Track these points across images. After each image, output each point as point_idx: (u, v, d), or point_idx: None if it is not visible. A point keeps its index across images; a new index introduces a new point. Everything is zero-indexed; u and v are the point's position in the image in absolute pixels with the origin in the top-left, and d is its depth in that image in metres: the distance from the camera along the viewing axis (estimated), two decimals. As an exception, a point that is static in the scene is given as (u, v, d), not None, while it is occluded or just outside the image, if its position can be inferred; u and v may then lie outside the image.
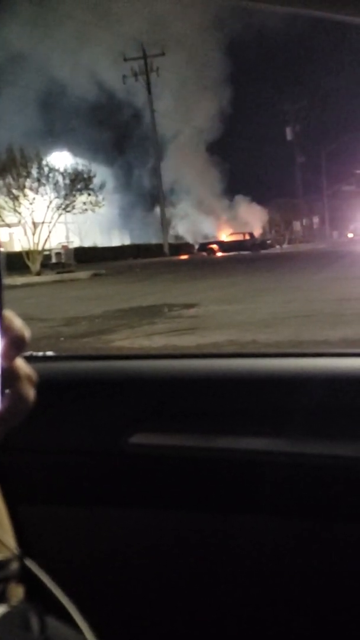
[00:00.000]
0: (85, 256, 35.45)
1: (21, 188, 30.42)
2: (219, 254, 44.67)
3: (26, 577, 0.66)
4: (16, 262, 27.20)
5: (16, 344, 0.53)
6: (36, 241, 29.62)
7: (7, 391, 0.53)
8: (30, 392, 0.55)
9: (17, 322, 0.53)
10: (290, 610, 1.19)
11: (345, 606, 1.16)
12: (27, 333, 0.54)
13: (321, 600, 1.17)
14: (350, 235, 55.01)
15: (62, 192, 31.81)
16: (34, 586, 0.66)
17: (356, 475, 1.13)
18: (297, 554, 1.18)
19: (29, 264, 28.07)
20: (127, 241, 53.82)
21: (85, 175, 32.91)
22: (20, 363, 0.55)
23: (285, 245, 53.27)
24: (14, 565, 0.64)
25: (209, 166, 67.97)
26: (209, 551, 1.22)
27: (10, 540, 0.69)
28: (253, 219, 62.79)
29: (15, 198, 30.17)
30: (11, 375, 0.54)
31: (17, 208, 30.21)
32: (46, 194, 31.26)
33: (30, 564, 0.66)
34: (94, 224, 44.94)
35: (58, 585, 0.67)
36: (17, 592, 0.65)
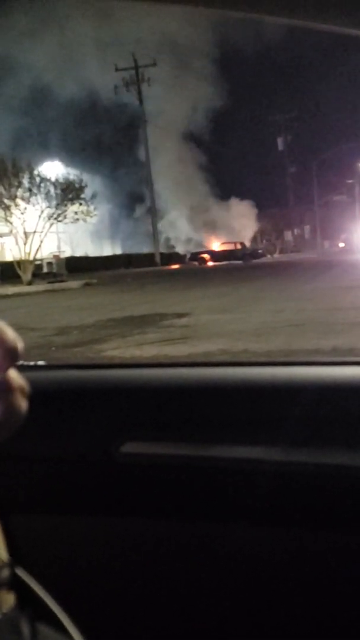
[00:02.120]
0: (76, 266, 35.42)
1: (13, 198, 30.44)
2: (210, 263, 44.76)
3: (17, 585, 0.66)
4: (7, 271, 27.18)
5: (9, 356, 0.53)
6: (28, 251, 29.63)
7: None
8: (23, 404, 0.55)
9: (10, 333, 0.53)
10: (286, 619, 1.19)
11: (342, 614, 1.16)
12: (20, 344, 0.54)
13: (317, 608, 1.17)
14: (341, 244, 55.25)
15: (54, 202, 31.87)
16: (25, 594, 0.66)
17: (350, 483, 1.13)
18: (293, 563, 1.18)
19: (21, 273, 28.05)
20: (118, 251, 53.88)
21: (76, 185, 32.97)
22: (13, 374, 0.55)
23: (276, 255, 53.45)
24: (5, 573, 0.64)
25: (200, 176, 68.18)
26: (202, 560, 1.22)
27: (1, 549, 0.69)
28: (243, 219, 62.95)
29: (6, 208, 30.18)
30: (4, 387, 0.54)
31: (8, 218, 30.23)
32: (38, 203, 31.31)
33: (21, 572, 0.66)
34: (86, 233, 44.97)
35: (49, 594, 0.67)
36: (8, 599, 0.65)
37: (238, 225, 62.89)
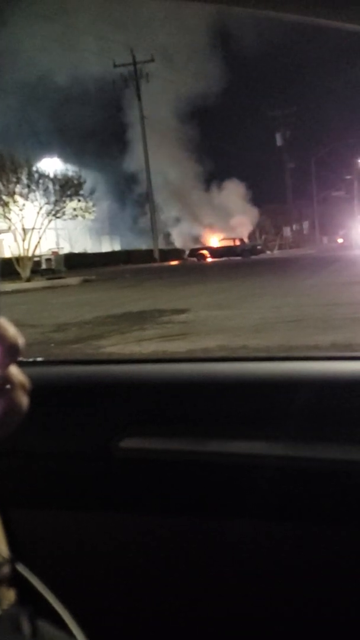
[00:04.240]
0: (75, 262, 35.40)
1: (11, 194, 30.38)
2: (209, 259, 44.77)
3: (18, 581, 0.66)
4: (6, 268, 27.16)
5: (10, 352, 0.53)
6: (26, 247, 29.59)
7: None
8: (24, 400, 0.55)
9: (11, 330, 0.53)
10: (287, 614, 1.19)
11: (343, 609, 1.16)
12: (21, 341, 0.54)
13: (319, 603, 1.17)
14: (340, 240, 55.19)
15: (52, 198, 31.82)
16: (26, 590, 0.66)
17: (350, 477, 1.13)
18: (294, 558, 1.18)
19: (19, 270, 28.02)
20: (117, 247, 53.85)
21: (75, 181, 32.93)
22: (14, 370, 0.55)
23: (275, 251, 53.43)
24: (5, 569, 0.64)
25: (198, 171, 68.14)
26: (202, 555, 1.22)
27: (2, 545, 0.69)
28: (237, 202, 63.09)
29: (5, 204, 30.13)
30: (5, 383, 0.54)
31: (6, 214, 30.17)
32: (36, 200, 31.26)
33: (21, 568, 0.66)
34: (84, 229, 44.93)
35: (50, 590, 0.67)
36: (8, 595, 0.65)
37: (231, 205, 63.00)
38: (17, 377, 0.55)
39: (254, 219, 63.57)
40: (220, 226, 61.67)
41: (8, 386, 0.54)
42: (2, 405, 0.53)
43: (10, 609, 0.62)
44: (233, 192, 65.26)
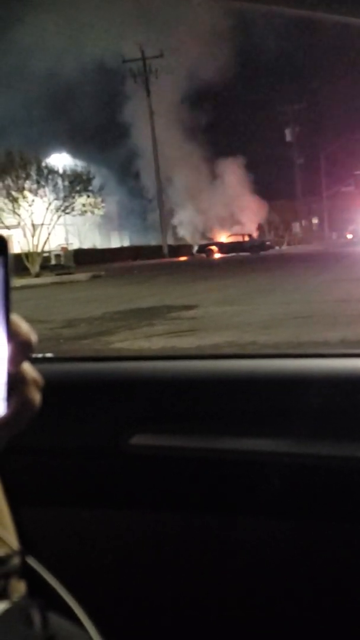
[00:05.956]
0: (84, 258, 35.34)
1: (20, 190, 30.40)
2: (218, 255, 44.64)
3: (28, 574, 0.66)
4: (15, 264, 27.11)
5: (23, 349, 0.53)
6: (35, 243, 29.61)
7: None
8: (37, 397, 0.55)
9: (24, 327, 0.53)
10: (293, 610, 1.19)
11: (348, 606, 1.17)
12: (33, 337, 0.54)
13: (324, 600, 1.17)
14: (349, 236, 54.91)
15: (61, 194, 31.81)
16: (36, 583, 0.67)
17: (356, 475, 1.13)
18: (300, 555, 1.18)
19: (28, 265, 28.04)
20: (126, 243, 53.82)
21: (84, 177, 32.92)
22: (26, 367, 0.55)
23: (284, 247, 53.23)
24: (15, 561, 0.65)
25: (206, 167, 67.96)
26: (210, 552, 1.23)
27: (12, 539, 0.70)
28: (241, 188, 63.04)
29: (14, 200, 30.16)
30: (18, 380, 0.54)
31: (16, 210, 30.20)
32: (45, 195, 31.26)
33: (31, 560, 0.67)
34: (94, 225, 44.91)
35: (60, 584, 0.68)
36: (18, 588, 0.65)
37: (239, 196, 62.86)
38: (30, 373, 0.55)
39: (264, 214, 63.38)
40: (229, 220, 61.53)
41: None
42: (15, 401, 0.54)
43: (21, 601, 0.62)
44: (240, 184, 65.10)
